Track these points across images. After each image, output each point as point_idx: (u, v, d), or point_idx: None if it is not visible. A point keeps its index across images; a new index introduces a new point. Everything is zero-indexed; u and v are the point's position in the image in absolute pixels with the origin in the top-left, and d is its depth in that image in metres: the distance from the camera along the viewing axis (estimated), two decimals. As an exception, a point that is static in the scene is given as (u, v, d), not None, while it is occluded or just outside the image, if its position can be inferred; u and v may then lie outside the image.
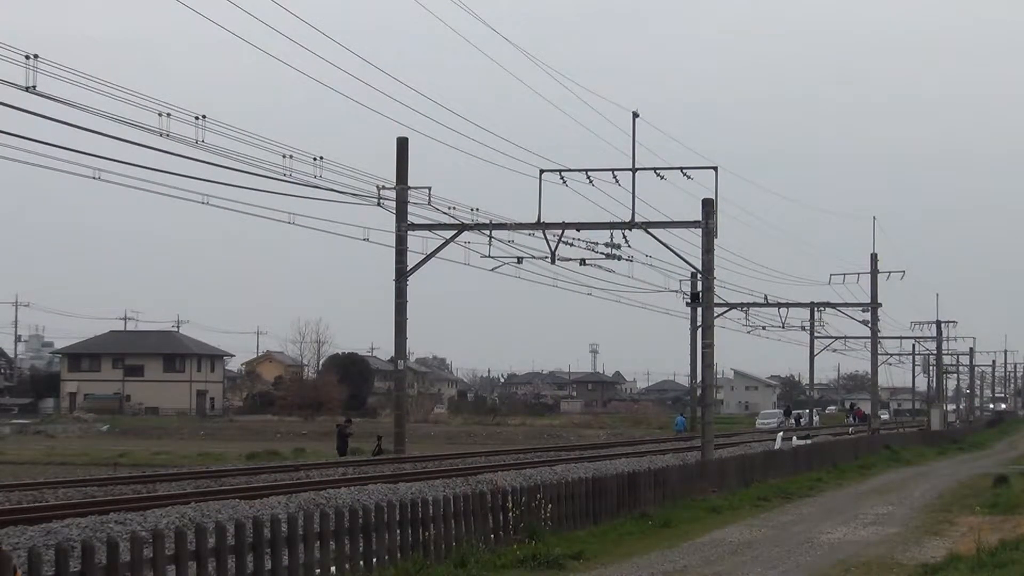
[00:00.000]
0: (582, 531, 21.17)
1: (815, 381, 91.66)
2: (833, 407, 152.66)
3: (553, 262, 37.79)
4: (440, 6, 36.48)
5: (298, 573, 14.24)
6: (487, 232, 37.48)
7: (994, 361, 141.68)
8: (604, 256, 38.03)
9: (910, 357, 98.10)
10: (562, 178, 37.03)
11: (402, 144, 38.11)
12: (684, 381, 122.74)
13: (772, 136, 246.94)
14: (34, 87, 21.50)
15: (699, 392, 50.06)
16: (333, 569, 14.95)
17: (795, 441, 48.02)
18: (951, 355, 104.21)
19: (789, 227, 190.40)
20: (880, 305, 67.13)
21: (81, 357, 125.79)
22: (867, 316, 67.52)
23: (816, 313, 72.13)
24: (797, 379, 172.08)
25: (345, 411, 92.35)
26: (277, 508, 18.83)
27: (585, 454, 40.40)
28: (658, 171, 37.05)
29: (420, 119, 50.44)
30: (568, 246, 37.57)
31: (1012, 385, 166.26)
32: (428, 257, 38.35)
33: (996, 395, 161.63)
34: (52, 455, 55.96)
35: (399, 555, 16.37)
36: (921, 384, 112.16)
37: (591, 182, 36.88)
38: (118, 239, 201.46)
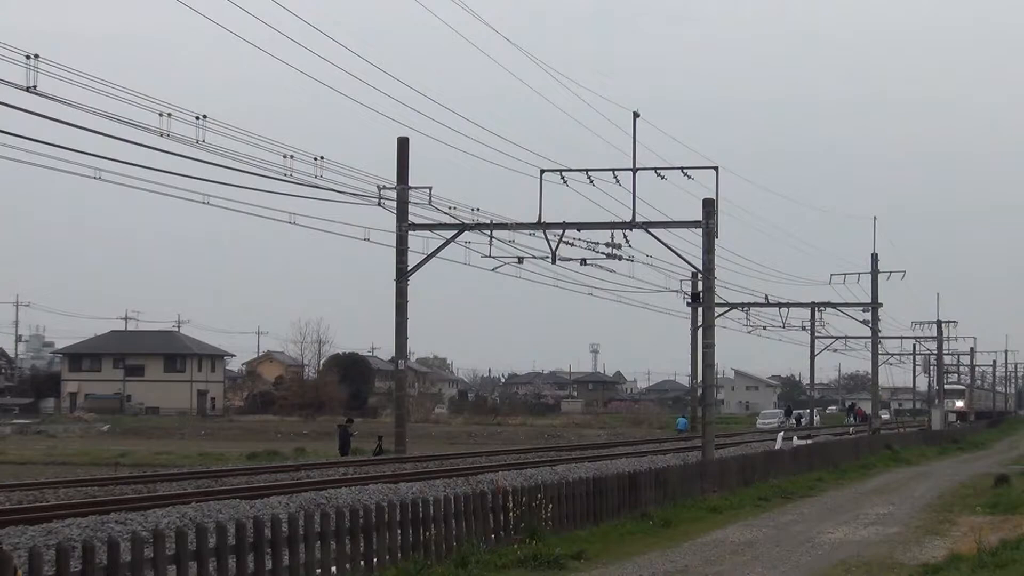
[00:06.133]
0: (583, 531, 21.18)
1: (816, 381, 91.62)
2: (834, 407, 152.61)
3: (554, 262, 37.80)
4: (441, 6, 36.49)
5: (299, 573, 14.24)
6: (488, 232, 37.48)
7: (995, 361, 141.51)
8: (605, 256, 38.04)
9: (911, 357, 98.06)
10: (563, 178, 37.04)
11: (402, 144, 38.11)
12: (685, 381, 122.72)
13: (772, 136, 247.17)
14: (34, 87, 21.50)
15: (700, 392, 50.04)
16: (334, 569, 14.95)
17: (796, 441, 48.02)
18: (952, 355, 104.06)
19: (789, 227, 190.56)
20: (881, 305, 67.18)
21: (82, 357, 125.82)
22: (868, 316, 67.55)
23: (817, 313, 72.14)
24: (798, 379, 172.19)
25: (346, 411, 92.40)
26: (278, 508, 18.82)
27: (586, 454, 40.38)
28: (659, 171, 37.04)
29: (421, 119, 50.37)
30: (569, 246, 37.59)
31: (1013, 385, 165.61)
32: (429, 257, 38.35)
33: (953, 384, 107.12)
34: (53, 455, 55.96)
35: (400, 555, 16.37)
36: (922, 384, 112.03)
37: (592, 182, 36.90)
38: (118, 239, 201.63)
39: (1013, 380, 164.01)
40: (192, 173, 26.24)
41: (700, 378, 44.86)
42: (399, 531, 16.51)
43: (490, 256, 37.88)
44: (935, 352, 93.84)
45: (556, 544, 18.68)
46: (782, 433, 54.78)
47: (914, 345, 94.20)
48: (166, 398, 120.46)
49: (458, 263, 38.71)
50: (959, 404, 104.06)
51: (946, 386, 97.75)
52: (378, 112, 52.62)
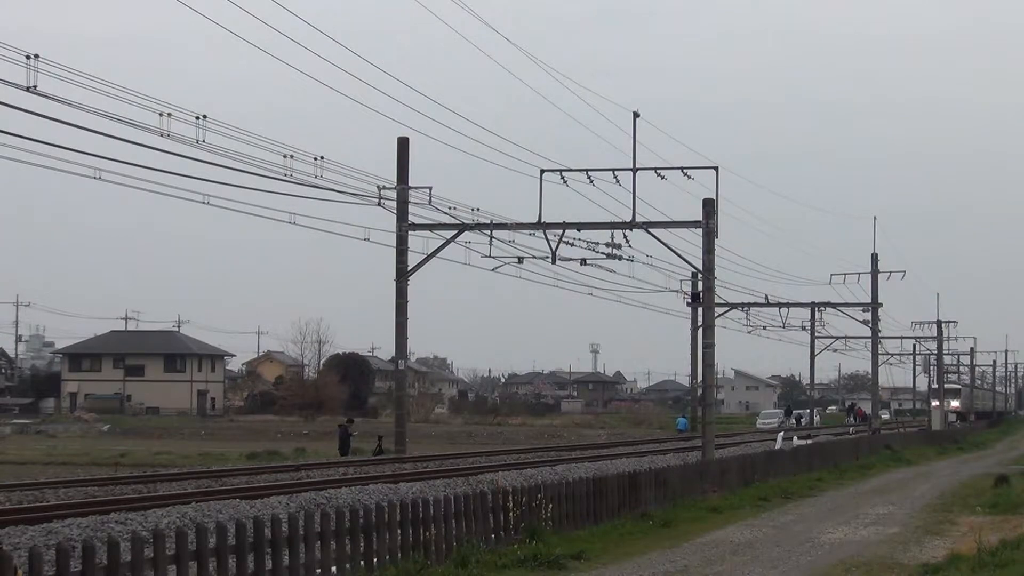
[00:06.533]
0: (583, 531, 21.17)
1: (816, 381, 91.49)
2: (834, 407, 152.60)
3: (554, 262, 37.79)
4: (441, 6, 36.50)
5: (299, 573, 14.24)
6: (488, 232, 37.47)
7: (995, 361, 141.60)
8: (605, 256, 38.03)
9: (911, 357, 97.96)
10: (563, 178, 37.03)
11: (403, 144, 38.08)
12: (685, 381, 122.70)
13: (772, 136, 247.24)
14: (35, 87, 21.51)
15: (700, 392, 50.02)
16: (334, 569, 14.95)
17: (796, 441, 48.00)
18: (952, 355, 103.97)
19: (789, 227, 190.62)
20: (881, 305, 67.20)
21: (82, 357, 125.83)
22: (868, 316, 67.56)
23: (817, 313, 72.08)
24: (798, 379, 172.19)
25: (346, 411, 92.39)
26: (278, 508, 18.82)
27: (586, 454, 40.38)
28: (659, 171, 37.05)
29: (421, 119, 50.32)
30: (569, 246, 37.58)
31: (1013, 385, 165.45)
32: (429, 257, 38.34)
33: (949, 383, 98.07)
34: (53, 455, 55.94)
35: (400, 555, 16.36)
36: (922, 384, 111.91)
37: (592, 182, 36.89)
38: (118, 239, 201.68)
39: (1013, 380, 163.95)
40: (192, 173, 26.27)
41: (700, 378, 44.85)
42: (399, 531, 16.51)
43: (490, 256, 37.89)
44: (935, 352, 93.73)
45: (556, 544, 18.68)
46: (782, 433, 54.75)
47: (914, 345, 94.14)
48: (166, 398, 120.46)
49: (458, 263, 38.75)
50: (954, 404, 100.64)
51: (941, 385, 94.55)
52: (378, 112, 52.55)
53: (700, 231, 36.77)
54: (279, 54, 39.53)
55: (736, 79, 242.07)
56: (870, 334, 69.40)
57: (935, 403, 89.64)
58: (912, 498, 31.13)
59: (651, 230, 37.34)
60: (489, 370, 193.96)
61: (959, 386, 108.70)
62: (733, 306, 61.41)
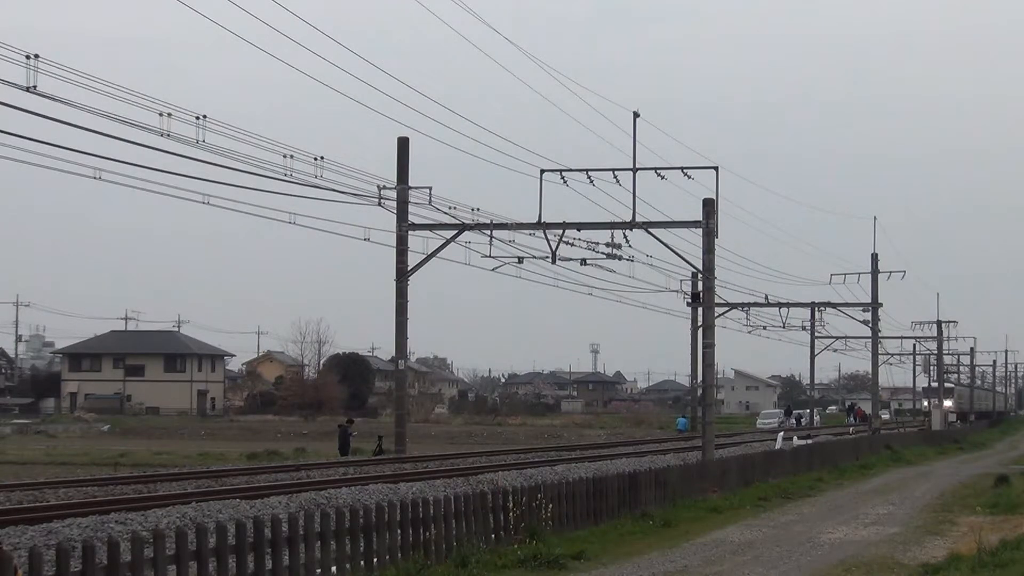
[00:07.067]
0: (583, 531, 21.18)
1: (816, 381, 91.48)
2: (834, 407, 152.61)
3: (554, 262, 37.79)
4: (441, 6, 36.48)
5: (299, 573, 14.24)
6: (488, 232, 37.46)
7: (995, 361, 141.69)
8: (605, 256, 38.03)
9: (911, 357, 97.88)
10: (563, 178, 37.03)
11: (403, 144, 38.07)
12: (685, 381, 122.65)
13: (772, 136, 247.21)
14: (35, 87, 21.51)
15: (700, 392, 50.00)
16: (334, 569, 14.95)
17: (796, 441, 47.99)
18: (952, 355, 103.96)
19: (789, 227, 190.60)
20: (881, 305, 67.19)
21: (82, 357, 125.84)
22: (868, 316, 67.55)
23: (817, 313, 72.10)
24: (798, 379, 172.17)
25: (346, 411, 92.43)
26: (278, 508, 18.83)
27: (586, 454, 40.38)
28: (659, 171, 37.05)
29: (421, 119, 50.38)
30: (569, 246, 37.58)
31: (1013, 385, 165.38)
32: (429, 257, 38.33)
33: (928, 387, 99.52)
34: (53, 455, 55.93)
35: (400, 555, 16.37)
36: (922, 384, 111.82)
37: (592, 182, 36.90)
38: (118, 239, 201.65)
39: (1013, 380, 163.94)
40: (192, 173, 26.29)
41: (700, 378, 44.81)
42: (399, 531, 16.51)
43: (490, 256, 37.88)
44: (935, 352, 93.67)
45: (556, 544, 18.67)
46: (782, 433, 54.72)
47: (914, 345, 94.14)
48: (166, 398, 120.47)
49: (458, 263, 38.75)
50: (946, 404, 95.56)
51: (934, 384, 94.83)
52: (378, 112, 52.60)
53: (700, 231, 36.76)
54: (279, 54, 39.51)
55: (737, 79, 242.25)
56: (870, 334, 69.39)
57: (925, 403, 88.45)
58: (912, 498, 31.13)
59: (651, 230, 37.34)
60: (489, 370, 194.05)
61: (953, 385, 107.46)
62: (733, 306, 61.43)
